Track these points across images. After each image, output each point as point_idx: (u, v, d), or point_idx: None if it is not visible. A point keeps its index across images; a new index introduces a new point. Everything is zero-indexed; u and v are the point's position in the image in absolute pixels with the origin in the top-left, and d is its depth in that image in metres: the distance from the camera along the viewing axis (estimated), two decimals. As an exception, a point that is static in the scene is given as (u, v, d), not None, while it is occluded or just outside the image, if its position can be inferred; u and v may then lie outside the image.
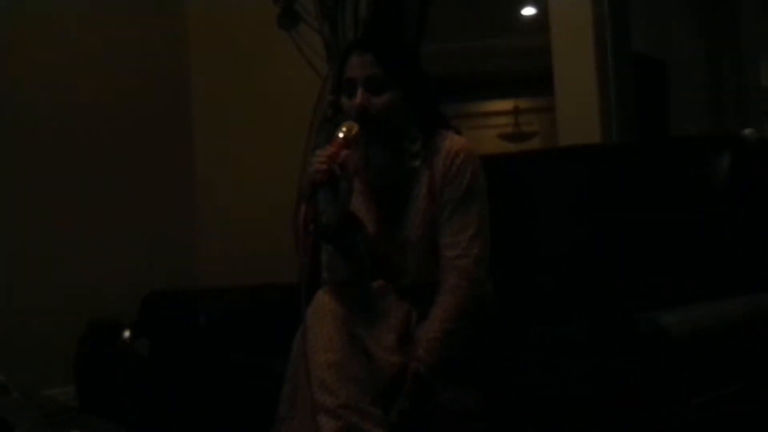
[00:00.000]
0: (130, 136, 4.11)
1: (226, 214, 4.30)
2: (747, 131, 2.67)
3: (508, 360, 2.24)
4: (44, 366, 3.54)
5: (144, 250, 4.06)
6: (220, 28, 4.32)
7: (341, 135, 2.23)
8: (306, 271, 2.17)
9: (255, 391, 2.64)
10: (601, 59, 3.90)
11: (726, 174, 2.56)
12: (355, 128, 2.24)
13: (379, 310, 2.26)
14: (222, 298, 3.15)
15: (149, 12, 4.24)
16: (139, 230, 4.08)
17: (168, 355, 3.00)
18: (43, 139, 3.82)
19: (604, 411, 2.05)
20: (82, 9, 3.97)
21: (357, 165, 2.32)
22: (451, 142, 2.32)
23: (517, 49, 8.15)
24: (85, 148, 3.96)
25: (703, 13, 6.74)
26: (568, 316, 2.47)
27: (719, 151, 2.61)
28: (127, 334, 3.10)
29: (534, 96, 8.91)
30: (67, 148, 3.90)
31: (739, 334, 2.34)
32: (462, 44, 8.05)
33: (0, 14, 3.72)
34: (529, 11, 7.82)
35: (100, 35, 4.03)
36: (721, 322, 2.29)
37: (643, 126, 4.47)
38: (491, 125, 9.62)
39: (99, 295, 3.78)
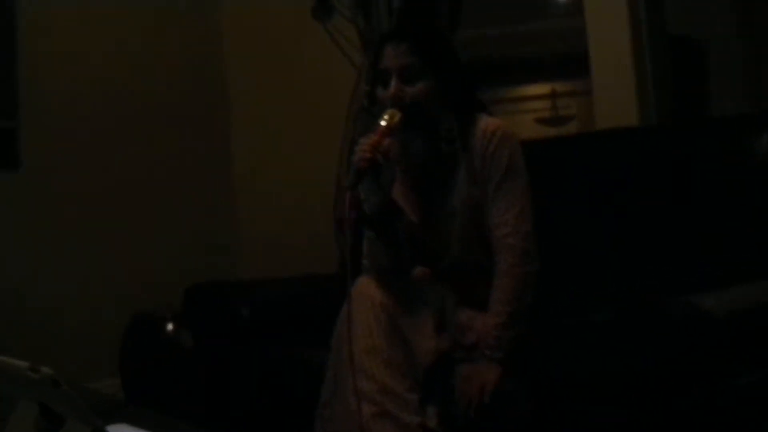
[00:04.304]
0: (170, 130, 4.16)
1: (265, 206, 4.33)
2: (787, 110, 2.64)
3: (546, 344, 2.24)
4: (90, 359, 3.59)
5: (186, 244, 4.10)
6: (255, 19, 4.34)
7: (383, 123, 2.23)
8: (351, 259, 2.19)
9: (297, 381, 2.66)
10: (637, 40, 3.86)
11: (766, 153, 2.53)
12: (397, 116, 2.24)
13: (419, 296, 2.28)
14: (263, 290, 3.17)
15: (186, 5, 4.27)
16: (180, 224, 4.12)
17: (211, 347, 3.02)
18: (84, 135, 3.87)
19: (645, 394, 2.05)
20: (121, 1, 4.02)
21: (396, 153, 2.33)
22: (486, 123, 2.33)
23: (553, 32, 8.09)
24: (125, 142, 4.00)
25: (740, -9, 6.64)
26: (608, 299, 2.46)
27: (759, 130, 2.58)
28: (170, 326, 3.13)
29: (571, 79, 8.85)
30: (108, 141, 3.95)
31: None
32: (498, 29, 8.01)
33: (43, 12, 3.76)
34: (563, -6, 7.78)
35: (139, 28, 4.07)
36: (761, 302, 2.27)
37: (681, 107, 4.42)
38: (528, 110, 9.57)
39: (143, 288, 3.82)
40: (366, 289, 2.23)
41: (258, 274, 3.84)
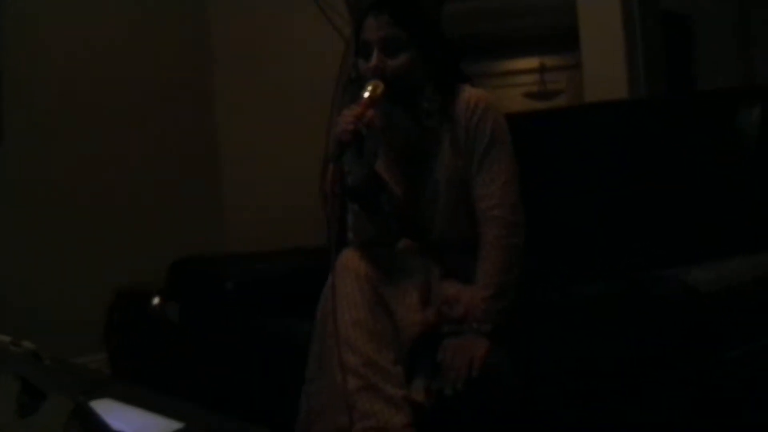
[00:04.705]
0: (154, 106, 4.12)
1: (252, 180, 4.31)
2: (777, 84, 2.63)
3: (534, 319, 2.24)
4: (75, 334, 3.57)
5: (172, 217, 4.09)
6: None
7: (366, 95, 2.22)
8: (335, 232, 2.18)
9: (284, 355, 2.65)
10: (628, 14, 3.84)
11: (756, 127, 2.53)
12: (380, 87, 2.23)
13: (404, 269, 2.27)
14: (249, 264, 3.16)
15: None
16: (166, 198, 4.10)
17: (197, 321, 3.01)
18: (69, 110, 3.84)
19: (633, 369, 2.05)
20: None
21: (379, 125, 2.31)
22: (469, 95, 2.32)
23: (541, 6, 8.06)
24: (110, 116, 3.97)
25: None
26: (597, 274, 2.46)
27: (749, 104, 2.57)
28: (156, 300, 3.12)
29: (560, 53, 8.83)
30: (92, 116, 3.91)
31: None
32: (486, 3, 7.97)
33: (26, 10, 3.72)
34: (552, -32, 7.73)
35: (122, 1, 4.03)
36: (750, 277, 2.27)
37: (670, 82, 4.41)
38: (517, 84, 9.53)
39: (128, 262, 3.81)
40: (350, 262, 2.23)
41: (245, 248, 3.83)
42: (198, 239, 4.07)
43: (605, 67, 3.85)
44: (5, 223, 3.60)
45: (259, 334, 2.81)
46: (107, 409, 1.42)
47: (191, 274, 3.10)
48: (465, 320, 2.21)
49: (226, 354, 2.90)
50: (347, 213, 2.40)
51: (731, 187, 2.53)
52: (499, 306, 2.19)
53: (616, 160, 2.75)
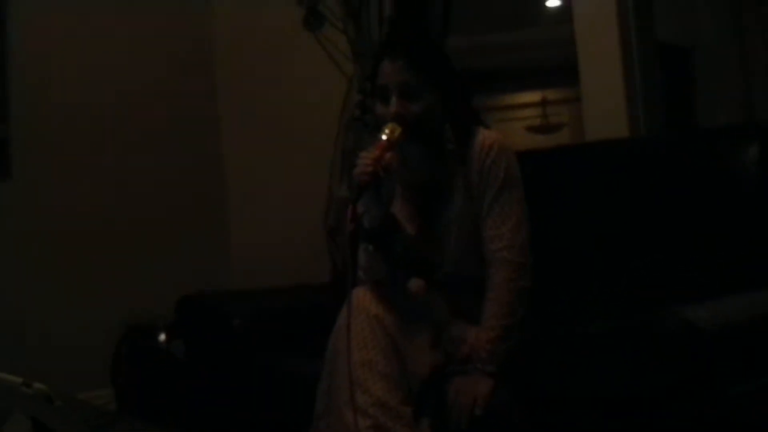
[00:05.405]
0: (161, 141, 4.15)
1: (257, 217, 4.32)
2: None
3: (539, 356, 2.25)
4: (82, 369, 3.58)
5: (178, 254, 4.10)
6: (245, 29, 4.34)
7: (384, 137, 2.23)
8: (352, 271, 2.19)
9: (289, 391, 2.66)
10: (626, 49, 3.87)
11: (755, 165, 2.54)
12: (398, 130, 2.24)
13: (414, 309, 2.28)
14: (255, 300, 3.17)
15: (176, 13, 4.27)
16: (173, 234, 4.12)
17: (203, 357, 3.02)
18: (77, 145, 3.87)
19: (636, 407, 2.05)
20: (108, 9, 4.02)
21: (396, 167, 2.31)
22: (484, 137, 2.33)
23: (543, 40, 8.11)
24: (117, 152, 3.99)
25: (729, -2, 6.65)
26: (598, 311, 2.47)
27: (748, 141, 2.59)
28: (162, 336, 3.13)
29: (562, 87, 8.86)
30: (99, 151, 3.94)
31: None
32: (488, 37, 8.03)
33: (35, 21, 3.77)
34: (553, 2, 7.79)
35: (130, 39, 4.07)
36: (751, 315, 2.28)
37: (671, 115, 4.43)
38: (519, 117, 9.56)
39: (135, 298, 3.82)
40: (361, 302, 2.24)
41: (250, 285, 3.85)
42: (205, 274, 4.08)
43: (605, 101, 3.87)
44: (13, 257, 3.62)
45: (266, 371, 2.82)
46: (116, 449, 1.45)
47: (198, 310, 3.12)
48: (470, 360, 2.22)
49: (232, 390, 2.91)
50: (359, 252, 2.40)
51: (730, 223, 2.54)
52: (504, 347, 2.20)
53: (616, 198, 2.76)
